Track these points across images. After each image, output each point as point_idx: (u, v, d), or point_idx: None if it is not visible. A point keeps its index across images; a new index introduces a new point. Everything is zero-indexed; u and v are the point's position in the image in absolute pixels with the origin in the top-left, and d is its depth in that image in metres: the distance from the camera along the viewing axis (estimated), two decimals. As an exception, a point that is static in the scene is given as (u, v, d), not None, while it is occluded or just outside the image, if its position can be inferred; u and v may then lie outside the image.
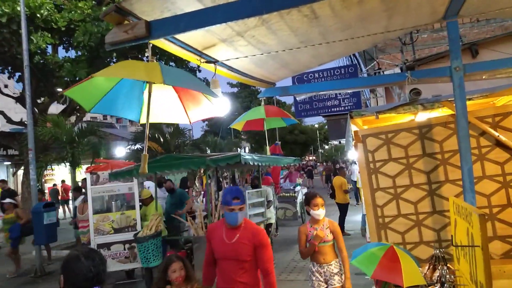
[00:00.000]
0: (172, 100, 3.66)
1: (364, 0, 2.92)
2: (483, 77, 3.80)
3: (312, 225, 4.02)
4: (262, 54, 3.63)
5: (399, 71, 9.28)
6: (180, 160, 6.05)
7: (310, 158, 59.25)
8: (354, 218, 12.25)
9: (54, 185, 20.24)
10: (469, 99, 3.88)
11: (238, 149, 31.69)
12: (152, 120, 3.75)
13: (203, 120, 41.88)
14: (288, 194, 12.69)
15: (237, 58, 3.61)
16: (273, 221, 8.21)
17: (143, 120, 3.63)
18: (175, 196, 8.48)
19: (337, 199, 10.95)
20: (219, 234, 3.17)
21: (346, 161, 35.69)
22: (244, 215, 3.14)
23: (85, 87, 3.26)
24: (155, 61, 3.08)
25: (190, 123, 3.83)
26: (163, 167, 6.28)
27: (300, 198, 12.62)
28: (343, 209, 10.80)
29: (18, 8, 10.60)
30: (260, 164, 6.66)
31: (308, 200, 4.06)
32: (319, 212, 3.95)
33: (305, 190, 13.98)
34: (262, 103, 5.56)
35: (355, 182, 14.55)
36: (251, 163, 6.16)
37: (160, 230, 6.41)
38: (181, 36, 2.97)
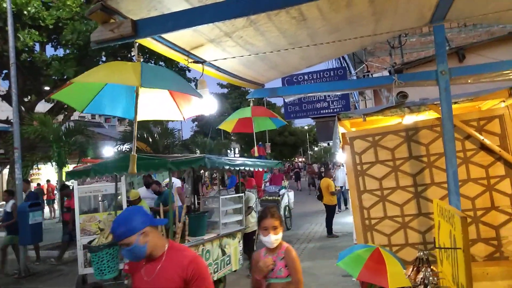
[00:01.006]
0: (165, 98, 3.62)
1: (352, 3, 2.94)
2: (468, 81, 3.85)
3: (266, 253, 3.03)
4: (250, 55, 3.63)
5: (388, 74, 9.36)
6: (139, 161, 5.11)
7: (300, 159, 59.43)
8: (342, 220, 12.33)
9: (38, 184, 20.04)
10: (455, 103, 3.93)
11: (228, 150, 31.64)
12: (146, 117, 3.73)
13: (193, 121, 41.75)
14: (272, 198, 11.94)
15: (225, 58, 3.60)
16: (256, 228, 7.36)
17: (138, 118, 3.59)
18: (161, 197, 8.41)
19: (324, 200, 11.04)
20: (139, 268, 2.33)
21: (335, 163, 35.70)
22: (152, 242, 2.23)
23: (73, 89, 3.22)
24: (142, 60, 3.05)
25: (184, 119, 3.79)
26: (121, 169, 5.68)
27: (285, 201, 12.22)
28: (330, 210, 10.88)
29: (4, 5, 10.41)
30: (231, 168, 6.23)
31: (258, 221, 3.07)
32: (268, 239, 2.91)
33: (291, 194, 13.54)
34: (251, 104, 5.52)
35: (341, 187, 14.30)
36: (220, 167, 5.73)
37: None
38: (168, 36, 2.95)
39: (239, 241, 6.83)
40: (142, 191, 9.18)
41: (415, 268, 2.35)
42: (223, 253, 6.33)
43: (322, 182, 11.39)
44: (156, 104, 3.68)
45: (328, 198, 10.96)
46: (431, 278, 2.16)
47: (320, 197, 11.28)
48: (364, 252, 3.27)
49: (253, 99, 5.21)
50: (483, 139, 3.95)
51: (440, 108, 3.48)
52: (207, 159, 5.34)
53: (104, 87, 3.45)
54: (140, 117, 3.62)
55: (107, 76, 2.94)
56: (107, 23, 2.56)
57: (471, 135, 4.01)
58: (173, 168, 5.31)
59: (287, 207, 12.18)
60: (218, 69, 3.89)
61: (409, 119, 4.64)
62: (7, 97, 14.14)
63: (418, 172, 4.22)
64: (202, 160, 5.31)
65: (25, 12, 11.30)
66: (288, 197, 12.61)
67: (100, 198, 7.86)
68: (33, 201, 9.43)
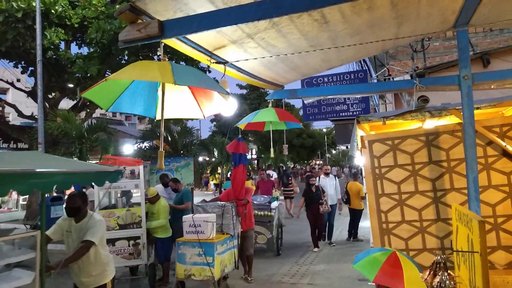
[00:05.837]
0: (186, 96, 3.70)
1: (373, 6, 2.95)
2: (492, 86, 3.80)
3: None
4: (271, 56, 3.67)
5: (409, 78, 9.26)
6: None
7: (317, 162, 59.01)
8: (360, 225, 12.22)
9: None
10: (477, 108, 3.88)
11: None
12: (168, 116, 3.82)
13: (212, 121, 42.04)
14: (261, 213, 8.93)
15: (246, 59, 3.65)
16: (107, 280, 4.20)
17: (158, 117, 3.69)
18: (178, 195, 8.50)
19: (352, 204, 10.79)
20: None
21: (355, 167, 35.08)
22: None
23: (101, 88, 3.33)
24: (166, 60, 3.13)
25: (204, 118, 3.87)
26: None
27: (276, 218, 9.19)
28: (357, 215, 10.77)
29: (34, 4, 10.79)
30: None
31: None
32: None
33: (282, 206, 10.29)
34: (270, 105, 5.52)
35: (331, 205, 10.39)
36: None
37: None
38: (192, 36, 3.02)
39: None
40: (159, 189, 9.30)
41: (431, 272, 2.35)
42: None
43: (351, 185, 10.98)
44: (177, 103, 3.76)
45: (357, 202, 10.71)
46: (447, 282, 2.16)
47: (348, 201, 11.00)
48: (380, 255, 3.27)
49: (272, 100, 5.23)
50: (505, 146, 3.89)
51: (461, 113, 3.45)
52: None
53: (128, 87, 3.55)
54: (162, 117, 3.72)
55: (140, 75, 3.03)
56: (134, 23, 2.65)
57: (493, 141, 3.96)
58: None
59: (278, 225, 9.32)
60: (239, 69, 3.95)
61: (430, 123, 4.60)
62: (32, 94, 14.56)
63: (438, 177, 4.18)
64: None
65: (53, 11, 11.64)
66: (278, 212, 9.42)
67: (119, 195, 8.03)
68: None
